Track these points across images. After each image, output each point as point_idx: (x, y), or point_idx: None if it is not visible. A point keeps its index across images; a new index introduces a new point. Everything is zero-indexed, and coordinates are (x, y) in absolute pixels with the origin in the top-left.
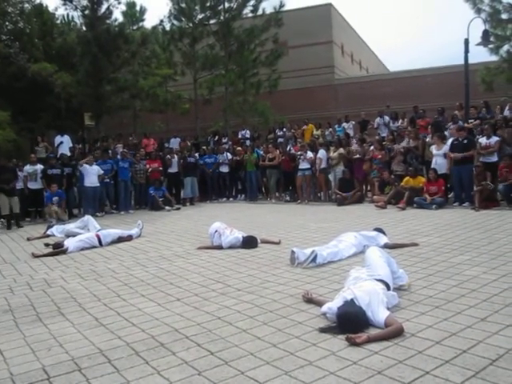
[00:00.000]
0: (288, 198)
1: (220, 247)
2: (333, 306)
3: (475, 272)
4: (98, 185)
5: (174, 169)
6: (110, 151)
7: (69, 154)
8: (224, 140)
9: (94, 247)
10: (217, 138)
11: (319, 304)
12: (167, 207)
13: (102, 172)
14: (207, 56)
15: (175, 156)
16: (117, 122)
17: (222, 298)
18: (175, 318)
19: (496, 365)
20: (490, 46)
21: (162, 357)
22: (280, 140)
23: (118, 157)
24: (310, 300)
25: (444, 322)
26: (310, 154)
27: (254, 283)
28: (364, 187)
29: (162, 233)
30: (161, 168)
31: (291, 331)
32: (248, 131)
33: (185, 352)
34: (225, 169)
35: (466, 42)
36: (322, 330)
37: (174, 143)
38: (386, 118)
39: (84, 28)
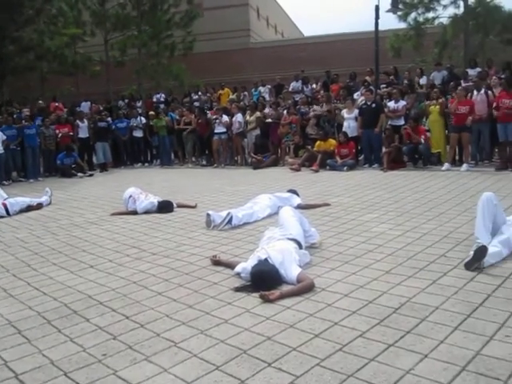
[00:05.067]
0: (204, 163)
1: (135, 213)
2: (247, 265)
3: (382, 229)
4: (3, 151)
5: (84, 134)
6: (14, 116)
7: None
8: (138, 104)
9: (1, 217)
10: (127, 101)
11: (229, 266)
12: (79, 174)
13: (5, 138)
14: (118, 16)
15: (85, 121)
16: (23, 84)
17: (137, 263)
18: (89, 285)
19: (398, 312)
20: (399, 13)
21: (76, 324)
22: (196, 104)
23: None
24: (217, 262)
25: (352, 275)
26: (225, 118)
27: (170, 247)
28: (279, 151)
29: (74, 200)
30: (71, 133)
31: (207, 292)
32: (163, 95)
33: (99, 318)
34: (138, 133)
35: (377, 8)
36: (237, 289)
37: (85, 107)
38: (300, 82)
39: None
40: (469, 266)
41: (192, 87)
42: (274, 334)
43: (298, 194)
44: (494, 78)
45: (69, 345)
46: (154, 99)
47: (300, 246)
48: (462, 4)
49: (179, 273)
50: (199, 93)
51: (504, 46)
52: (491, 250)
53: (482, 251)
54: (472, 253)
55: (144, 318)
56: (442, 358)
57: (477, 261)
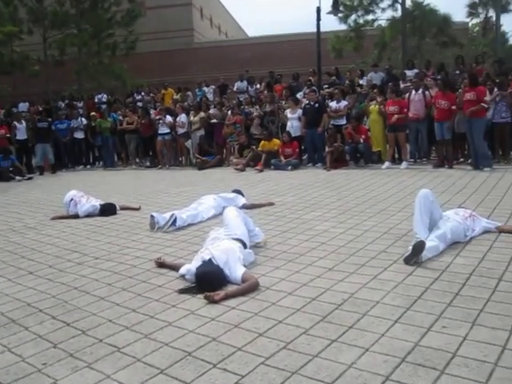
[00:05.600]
0: (148, 164)
1: (76, 216)
2: (191, 267)
3: (325, 227)
4: None
5: (22, 136)
6: None
7: None
8: (79, 104)
9: None
10: (67, 101)
11: (173, 268)
12: (17, 177)
13: None
14: (56, 13)
15: (23, 122)
16: None
17: (79, 268)
18: (28, 292)
19: (341, 308)
20: (340, 15)
21: (14, 333)
22: (139, 104)
23: None
24: (162, 265)
25: (296, 274)
26: (169, 118)
27: (113, 250)
28: (224, 151)
29: (12, 204)
30: (8, 135)
31: (151, 295)
32: (105, 95)
33: (39, 326)
34: (79, 135)
35: (318, 10)
36: (182, 291)
37: (23, 108)
38: (246, 83)
39: None
40: (408, 260)
41: (135, 87)
42: (219, 334)
43: (242, 194)
44: (429, 79)
45: (7, 355)
46: (96, 100)
47: (245, 245)
48: (399, 7)
49: (122, 276)
50: (142, 93)
51: (440, 48)
52: (429, 244)
53: (420, 246)
54: (411, 248)
55: (86, 325)
56: (383, 351)
57: (415, 255)
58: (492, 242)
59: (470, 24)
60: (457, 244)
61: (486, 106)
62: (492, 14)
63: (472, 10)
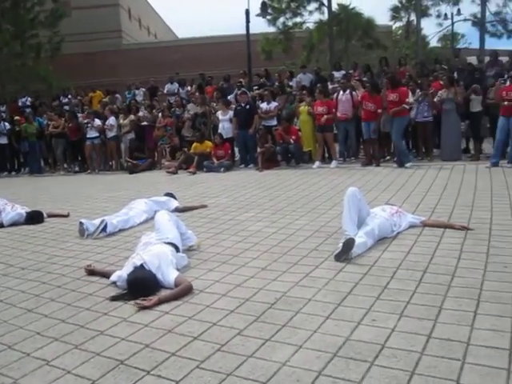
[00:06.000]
0: (77, 169)
1: (1, 225)
2: (122, 273)
3: (258, 227)
4: None
5: None
6: None
7: None
8: (2, 108)
9: None
10: None
11: (104, 275)
12: None
13: None
14: None
15: None
16: None
17: (4, 280)
18: None
19: (274, 308)
20: (268, 17)
21: None
22: (66, 107)
23: None
24: (92, 272)
25: (230, 275)
26: (97, 122)
27: (41, 260)
28: (155, 154)
29: None
30: None
31: (81, 304)
32: (29, 98)
33: None
34: (3, 140)
35: (247, 12)
36: (113, 299)
37: None
38: (176, 85)
39: None
40: (338, 257)
41: (61, 90)
42: (153, 340)
43: (175, 197)
44: (354, 81)
45: None
46: (20, 103)
47: (177, 249)
48: (326, 10)
49: (51, 286)
50: (69, 96)
51: (365, 50)
52: (358, 241)
53: (349, 243)
54: (341, 245)
55: (12, 339)
56: (315, 347)
57: (345, 252)
58: (417, 236)
59: (393, 27)
60: (384, 239)
61: (407, 107)
62: (413, 17)
63: (395, 14)
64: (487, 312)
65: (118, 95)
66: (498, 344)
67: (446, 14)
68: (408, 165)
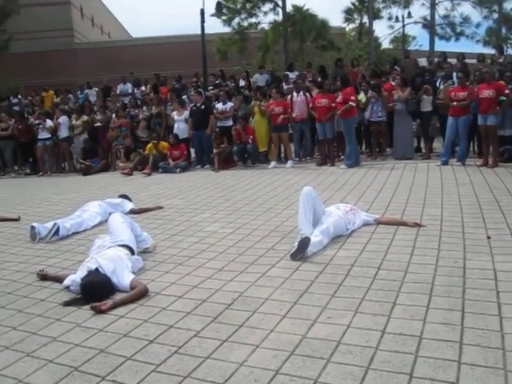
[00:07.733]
0: (28, 171)
1: None
2: (76, 277)
3: (214, 228)
4: None
5: None
6: None
7: None
8: None
9: None
10: None
11: (57, 280)
12: None
13: None
14: None
15: None
16: None
17: None
18: None
19: (231, 308)
20: (223, 17)
21: None
22: (15, 108)
23: None
24: (44, 277)
25: (186, 276)
26: (49, 123)
27: None
28: (110, 155)
29: None
30: None
31: (33, 310)
32: None
33: None
34: None
35: (202, 12)
36: (67, 304)
37: None
38: (129, 85)
39: None
40: (294, 256)
41: (10, 90)
42: (108, 345)
43: (130, 199)
44: (307, 81)
45: None
46: None
47: (132, 251)
48: (280, 11)
49: (1, 293)
50: (19, 96)
51: (320, 51)
52: (313, 239)
53: (305, 242)
54: (296, 244)
55: None
56: (272, 346)
57: (301, 251)
58: (371, 233)
59: (346, 29)
60: (339, 237)
61: (353, 104)
62: (366, 20)
63: (348, 16)
64: (439, 306)
65: (70, 95)
66: (450, 337)
67: (397, 17)
68: (342, 166)
